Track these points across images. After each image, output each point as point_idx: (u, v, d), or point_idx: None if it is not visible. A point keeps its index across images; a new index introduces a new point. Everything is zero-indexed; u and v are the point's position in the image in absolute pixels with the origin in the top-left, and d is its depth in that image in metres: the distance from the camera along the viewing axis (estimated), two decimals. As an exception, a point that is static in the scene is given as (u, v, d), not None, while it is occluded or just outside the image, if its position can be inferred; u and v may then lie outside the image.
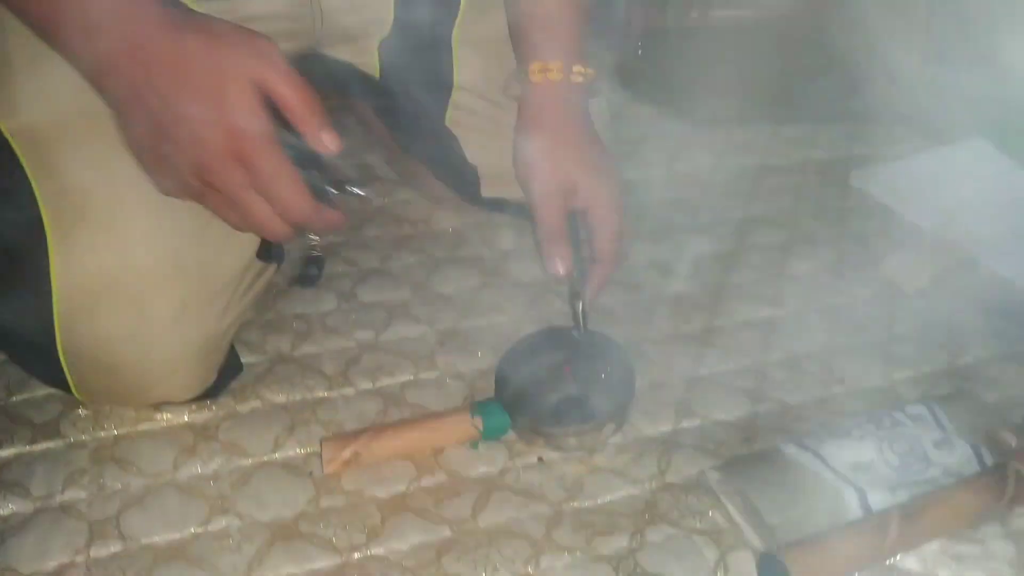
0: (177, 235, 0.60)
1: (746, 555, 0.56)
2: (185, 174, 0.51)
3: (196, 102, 0.49)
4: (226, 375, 0.68)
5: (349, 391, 0.70)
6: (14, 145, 0.57)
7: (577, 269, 0.70)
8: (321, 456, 0.61)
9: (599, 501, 0.61)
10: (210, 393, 0.67)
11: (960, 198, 1.03)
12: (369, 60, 0.79)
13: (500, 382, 0.67)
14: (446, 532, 0.58)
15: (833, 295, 0.87)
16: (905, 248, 0.93)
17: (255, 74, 0.49)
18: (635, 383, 0.67)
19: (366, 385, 0.71)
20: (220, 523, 0.57)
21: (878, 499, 0.55)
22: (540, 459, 0.64)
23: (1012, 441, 0.58)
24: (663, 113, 1.20)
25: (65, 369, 0.61)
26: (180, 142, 0.50)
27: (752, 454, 0.63)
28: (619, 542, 0.57)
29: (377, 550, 0.56)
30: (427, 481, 0.62)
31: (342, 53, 0.79)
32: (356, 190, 0.57)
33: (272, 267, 0.71)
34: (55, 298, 0.57)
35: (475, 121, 0.83)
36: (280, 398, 0.69)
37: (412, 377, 0.72)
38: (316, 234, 0.63)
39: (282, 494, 0.60)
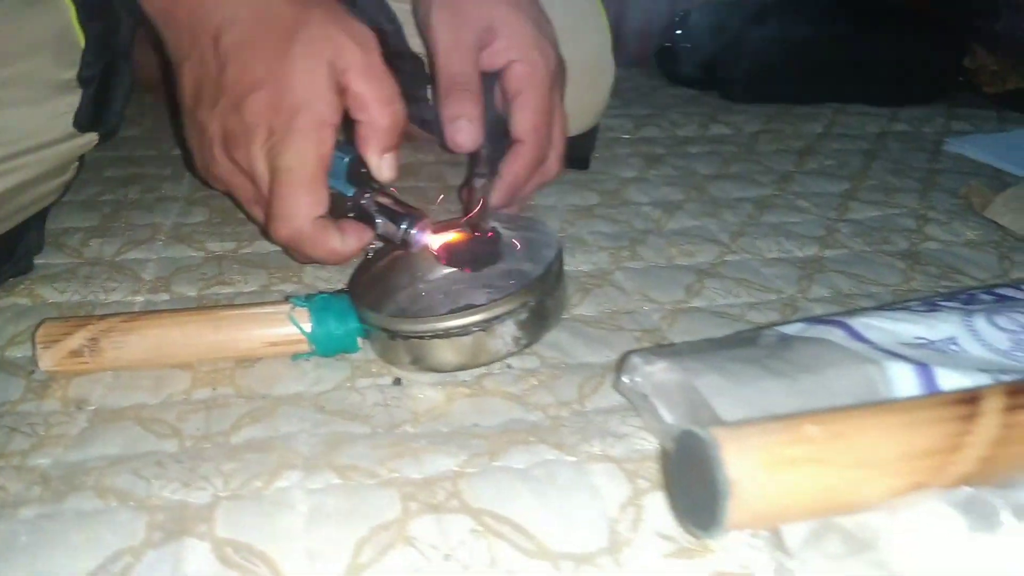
0: None
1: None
2: (215, 146, 0.43)
3: (256, 65, 0.40)
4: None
5: (162, 296, 0.48)
6: None
7: (487, 147, 0.48)
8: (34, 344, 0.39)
9: (456, 426, 0.35)
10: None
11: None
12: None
13: (353, 279, 0.44)
14: (166, 445, 0.34)
15: (914, 238, 0.61)
16: (1019, 190, 0.66)
17: (339, 56, 0.40)
18: (561, 278, 0.42)
19: (188, 292, 0.49)
20: None
21: (956, 381, 0.28)
22: (397, 380, 0.40)
23: None
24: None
25: None
26: (218, 104, 0.41)
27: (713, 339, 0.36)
28: (437, 464, 0.32)
29: (38, 461, 0.32)
30: (201, 394, 0.38)
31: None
32: (416, 235, 0.43)
33: (90, 139, 0.52)
34: None
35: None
36: (59, 297, 0.48)
37: (258, 288, 0.50)
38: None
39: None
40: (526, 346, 0.40)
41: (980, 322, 0.32)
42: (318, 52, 0.40)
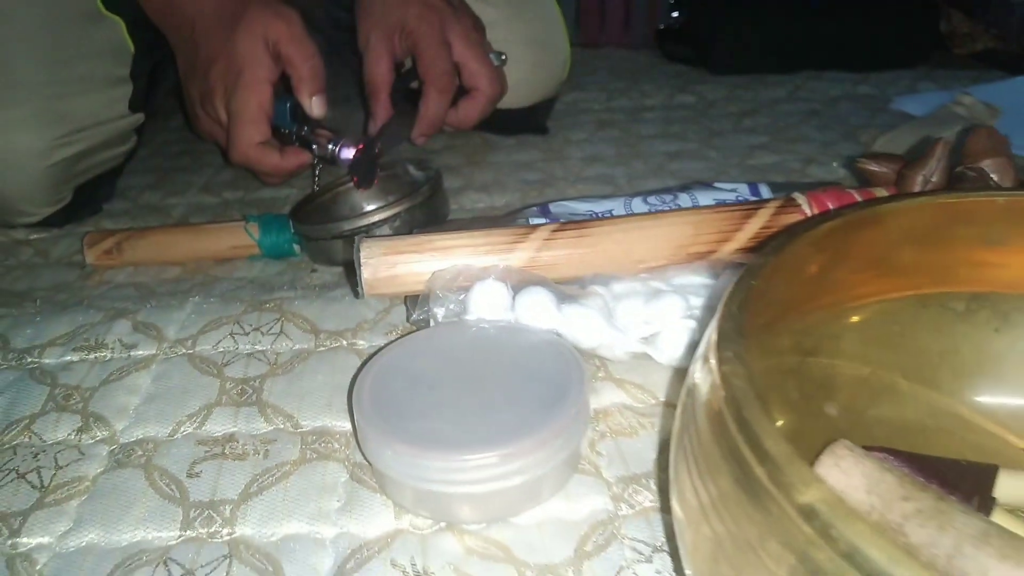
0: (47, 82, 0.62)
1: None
2: (196, 107, 0.61)
3: (214, 45, 0.58)
4: (73, 211, 0.69)
5: (181, 226, 0.68)
6: None
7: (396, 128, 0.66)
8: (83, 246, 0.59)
9: (330, 287, 0.52)
10: (52, 222, 0.68)
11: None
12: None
13: (295, 204, 0.62)
14: (139, 293, 0.53)
15: (792, 177, 0.71)
16: (898, 130, 0.75)
17: (270, 31, 0.57)
18: (433, 197, 0.57)
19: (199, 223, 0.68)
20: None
21: (575, 227, 0.41)
22: (313, 269, 0.57)
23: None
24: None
25: None
26: (196, 76, 0.60)
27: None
28: (283, 295, 0.49)
29: (69, 304, 0.52)
30: (184, 278, 0.57)
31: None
32: (341, 151, 0.60)
33: (140, 117, 0.72)
34: None
35: None
36: (112, 226, 0.68)
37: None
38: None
39: (45, 279, 0.58)
40: (402, 245, 0.56)
41: (637, 200, 0.45)
42: (254, 30, 0.57)
